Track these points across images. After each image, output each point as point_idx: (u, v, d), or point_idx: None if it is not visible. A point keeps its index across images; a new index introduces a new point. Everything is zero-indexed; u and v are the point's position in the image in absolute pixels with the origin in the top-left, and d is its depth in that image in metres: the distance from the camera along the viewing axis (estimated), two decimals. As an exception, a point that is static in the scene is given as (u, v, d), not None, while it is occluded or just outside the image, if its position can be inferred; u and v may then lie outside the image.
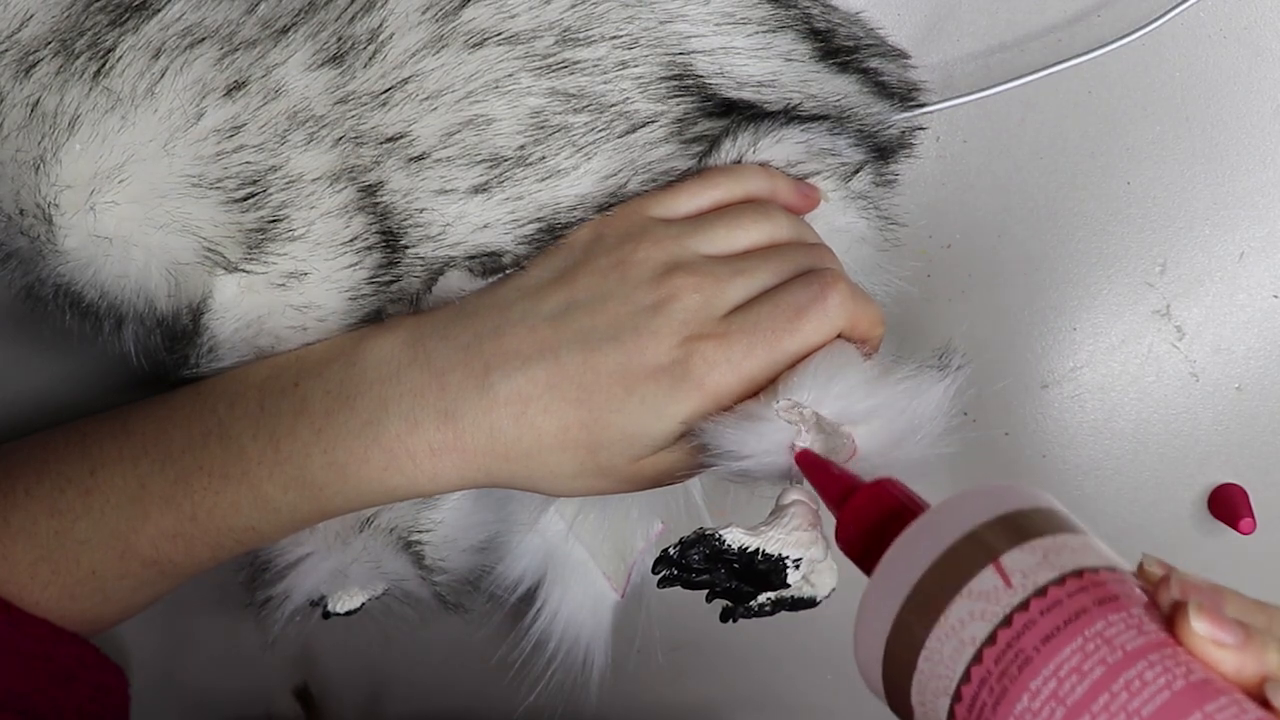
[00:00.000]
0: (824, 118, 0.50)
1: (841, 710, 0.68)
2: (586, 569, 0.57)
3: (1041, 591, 0.33)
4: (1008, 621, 0.33)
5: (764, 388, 0.45)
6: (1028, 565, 0.34)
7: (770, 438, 0.44)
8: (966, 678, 0.33)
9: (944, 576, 0.35)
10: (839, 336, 0.46)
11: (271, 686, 0.65)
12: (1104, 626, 0.32)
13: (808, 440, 0.44)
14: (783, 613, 0.61)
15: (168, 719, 0.63)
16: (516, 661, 0.58)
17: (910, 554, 0.36)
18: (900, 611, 0.35)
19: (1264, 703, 0.30)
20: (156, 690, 0.62)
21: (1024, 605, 0.33)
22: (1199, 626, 0.31)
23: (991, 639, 0.33)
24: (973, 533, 0.35)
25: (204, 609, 0.62)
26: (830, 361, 0.45)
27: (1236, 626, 0.31)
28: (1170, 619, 0.32)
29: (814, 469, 0.43)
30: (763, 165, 0.50)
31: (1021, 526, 0.35)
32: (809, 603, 0.61)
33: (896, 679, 0.35)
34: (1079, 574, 0.33)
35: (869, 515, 0.40)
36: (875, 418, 0.45)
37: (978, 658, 0.33)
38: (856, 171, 0.52)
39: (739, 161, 0.49)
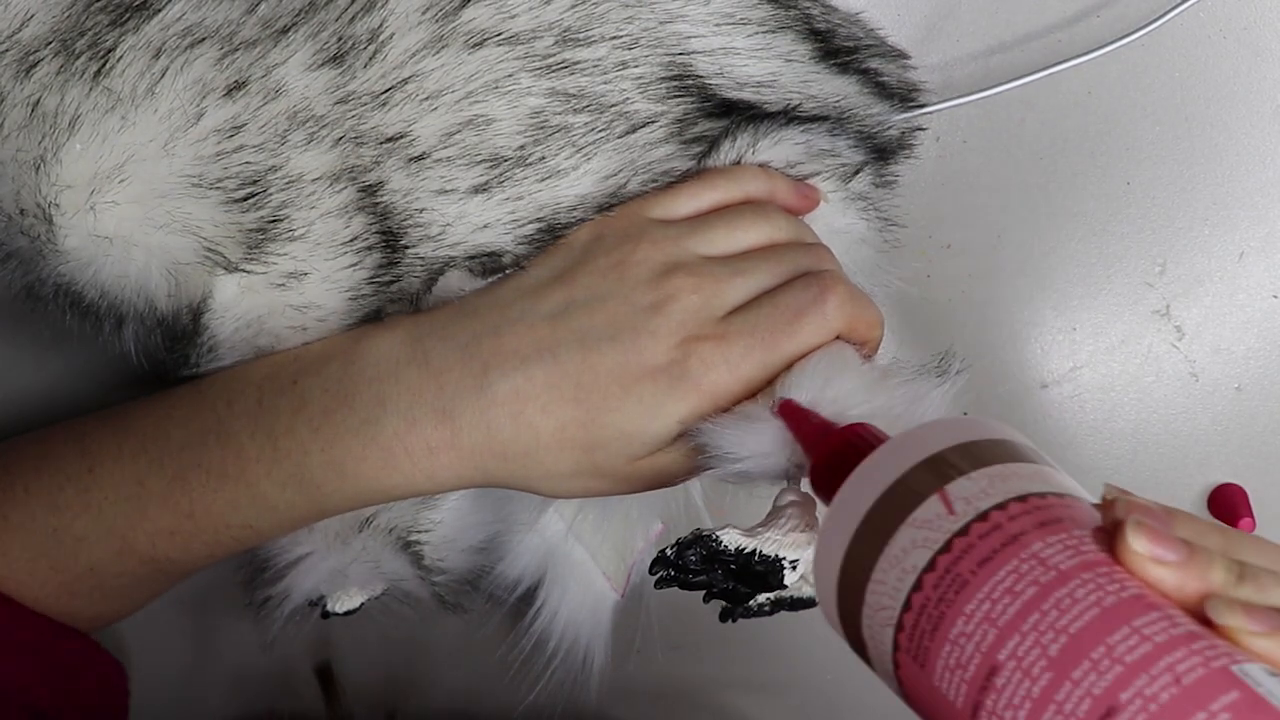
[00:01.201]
0: (824, 119, 0.50)
1: (843, 708, 0.68)
2: (586, 569, 0.57)
3: (983, 516, 0.32)
4: (947, 547, 0.32)
5: (762, 389, 0.45)
6: (972, 492, 0.33)
7: (768, 439, 0.44)
8: (908, 605, 0.33)
9: (891, 507, 0.34)
10: (838, 338, 0.46)
11: (268, 689, 0.65)
12: (1041, 547, 0.31)
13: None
14: (782, 612, 0.61)
15: (167, 716, 0.63)
16: (516, 661, 0.58)
17: (863, 486, 0.35)
18: (850, 544, 0.35)
19: (1205, 620, 0.29)
20: (156, 687, 0.62)
21: (964, 530, 0.32)
22: (1136, 544, 0.30)
23: (931, 565, 0.32)
24: (922, 462, 0.35)
25: (205, 607, 0.62)
26: (828, 364, 0.45)
27: (1179, 544, 0.31)
28: (1111, 537, 0.31)
29: (794, 417, 0.43)
30: (762, 166, 0.50)
31: (973, 456, 0.34)
32: (808, 603, 0.61)
33: (849, 613, 0.35)
34: (1024, 499, 0.33)
35: (838, 456, 0.40)
36: (873, 421, 0.45)
37: (918, 585, 0.32)
38: (856, 173, 0.52)
39: (738, 162, 0.49)
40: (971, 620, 0.31)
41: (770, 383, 0.45)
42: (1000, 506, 0.32)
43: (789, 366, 0.45)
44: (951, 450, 0.35)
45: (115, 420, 0.49)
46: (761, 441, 0.44)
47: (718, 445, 0.44)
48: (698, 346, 0.45)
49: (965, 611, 0.31)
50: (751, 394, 0.45)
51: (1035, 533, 0.32)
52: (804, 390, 0.44)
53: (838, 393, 0.44)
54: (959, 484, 0.33)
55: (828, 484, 0.39)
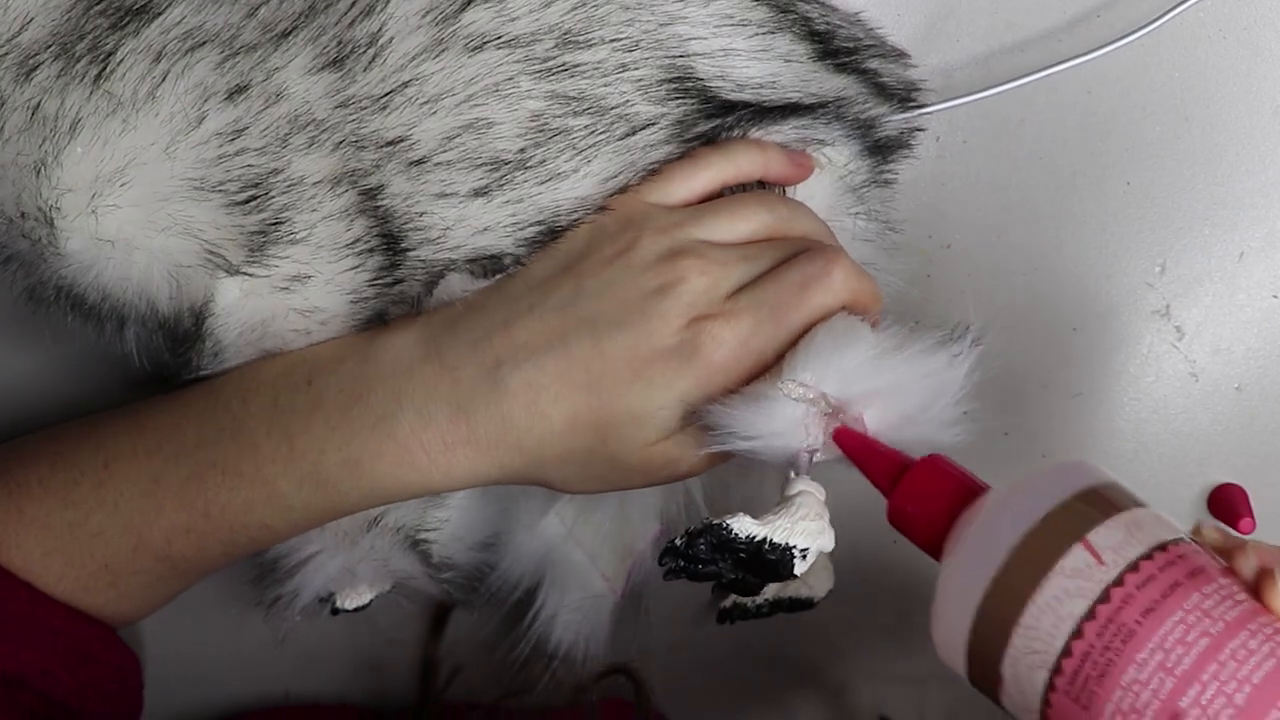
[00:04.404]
0: (821, 106, 0.50)
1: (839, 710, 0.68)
2: (585, 570, 0.58)
3: (1134, 566, 0.35)
4: (1105, 597, 0.35)
5: (772, 365, 0.45)
6: (1114, 542, 0.36)
7: (779, 418, 0.44)
8: (1068, 651, 0.35)
9: (1033, 556, 0.36)
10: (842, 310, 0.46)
11: (282, 685, 0.64)
12: (1200, 599, 0.34)
13: (816, 421, 0.44)
14: (779, 614, 0.61)
15: (181, 705, 0.63)
16: (516, 662, 0.59)
17: (990, 535, 0.38)
18: (989, 590, 0.37)
19: None
20: (169, 677, 0.62)
21: (1119, 581, 0.35)
22: None
23: (1091, 614, 0.35)
24: (1054, 512, 0.37)
25: (215, 603, 0.62)
26: (837, 339, 0.45)
27: None
28: (1257, 587, 0.34)
29: (859, 446, 0.44)
30: (752, 139, 0.50)
31: (1099, 503, 0.37)
32: (806, 604, 0.61)
33: (986, 653, 0.37)
34: (1164, 547, 0.35)
35: (927, 494, 0.41)
36: (884, 396, 0.45)
37: (1078, 632, 0.35)
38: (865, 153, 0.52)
39: None
40: (1145, 668, 0.33)
41: (780, 359, 0.45)
42: (1147, 557, 0.35)
43: (798, 339, 0.45)
44: (1078, 497, 0.37)
45: (130, 417, 0.49)
46: (772, 421, 0.44)
47: (728, 425, 0.44)
48: (707, 325, 0.45)
49: (1136, 660, 0.34)
50: (762, 370, 0.45)
51: (1189, 583, 0.34)
52: (813, 367, 0.44)
53: (849, 368, 0.44)
54: (1098, 533, 0.36)
55: (921, 523, 0.42)
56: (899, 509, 0.42)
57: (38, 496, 0.48)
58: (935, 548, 0.41)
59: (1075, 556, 0.36)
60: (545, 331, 0.46)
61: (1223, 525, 0.39)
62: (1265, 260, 0.62)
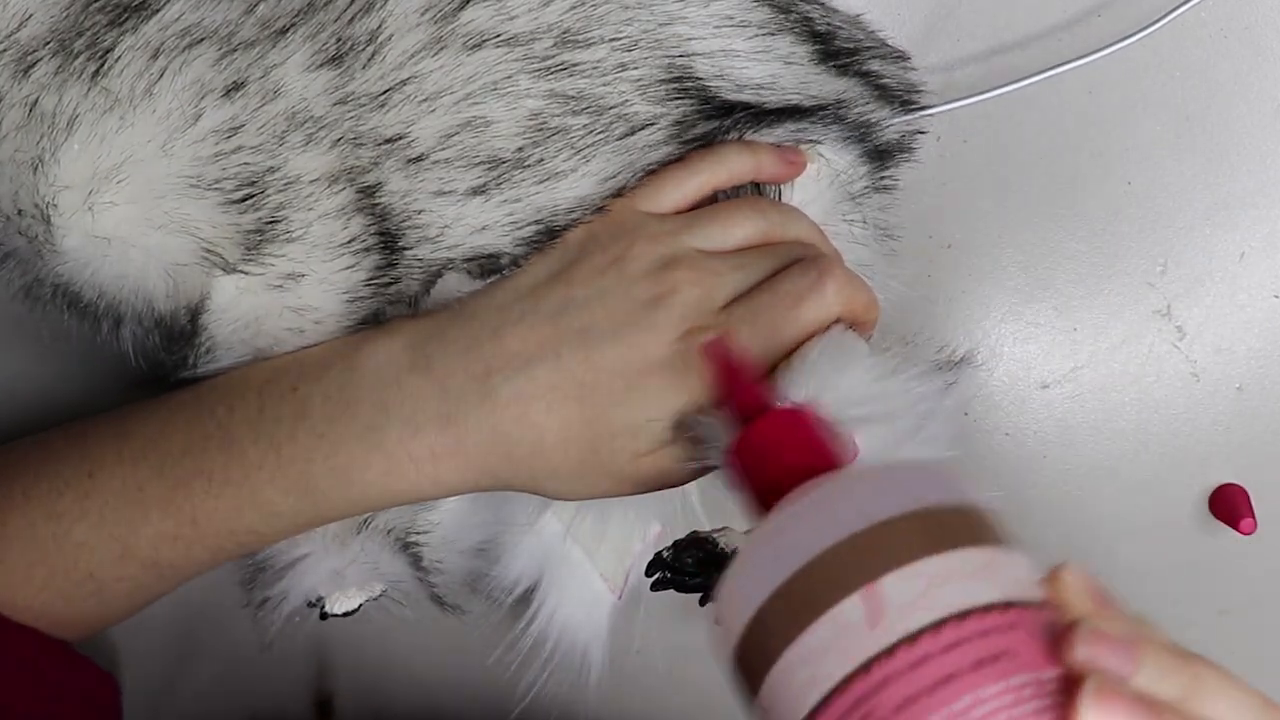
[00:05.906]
0: (820, 109, 0.50)
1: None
2: (583, 570, 0.57)
3: (913, 638, 0.28)
4: (867, 668, 0.28)
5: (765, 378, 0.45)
6: (907, 597, 0.29)
7: None
8: (812, 718, 0.29)
9: (816, 583, 0.30)
10: (837, 321, 0.46)
11: (274, 690, 0.64)
12: (971, 703, 0.27)
13: None
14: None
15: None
16: (513, 663, 0.58)
17: (797, 532, 0.31)
18: (766, 602, 0.30)
19: None
20: (150, 696, 0.62)
21: (890, 651, 0.28)
22: (1091, 717, 0.27)
23: (845, 683, 0.28)
24: (862, 533, 0.30)
25: (202, 611, 0.62)
26: (833, 359, 0.45)
27: (1139, 707, 0.27)
28: (1068, 688, 0.28)
29: (721, 367, 0.40)
30: (743, 141, 0.49)
31: (919, 536, 0.30)
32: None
33: (749, 672, 0.31)
34: (963, 617, 0.28)
35: (774, 446, 0.36)
36: (877, 418, 0.45)
37: (825, 702, 0.28)
38: (858, 160, 0.52)
39: None
40: None
41: (773, 370, 0.45)
42: (935, 628, 0.28)
43: (791, 352, 0.45)
44: (910, 518, 0.30)
45: (114, 425, 0.49)
46: None
47: (715, 437, 0.44)
48: (700, 338, 0.45)
49: None
50: None
51: (969, 677, 0.27)
52: (805, 386, 0.44)
53: (842, 389, 0.44)
54: (895, 582, 0.29)
55: (755, 478, 0.36)
56: (741, 451, 0.37)
57: (21, 508, 0.47)
58: (764, 510, 0.35)
59: (853, 606, 0.29)
60: (537, 341, 0.45)
61: (1086, 590, 0.30)
62: (1266, 260, 0.62)
